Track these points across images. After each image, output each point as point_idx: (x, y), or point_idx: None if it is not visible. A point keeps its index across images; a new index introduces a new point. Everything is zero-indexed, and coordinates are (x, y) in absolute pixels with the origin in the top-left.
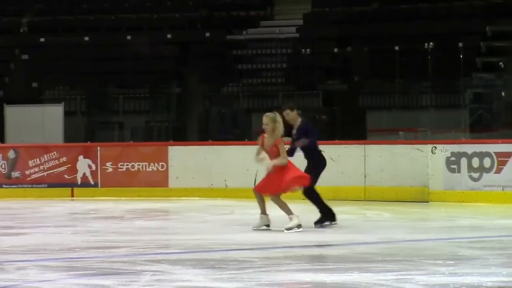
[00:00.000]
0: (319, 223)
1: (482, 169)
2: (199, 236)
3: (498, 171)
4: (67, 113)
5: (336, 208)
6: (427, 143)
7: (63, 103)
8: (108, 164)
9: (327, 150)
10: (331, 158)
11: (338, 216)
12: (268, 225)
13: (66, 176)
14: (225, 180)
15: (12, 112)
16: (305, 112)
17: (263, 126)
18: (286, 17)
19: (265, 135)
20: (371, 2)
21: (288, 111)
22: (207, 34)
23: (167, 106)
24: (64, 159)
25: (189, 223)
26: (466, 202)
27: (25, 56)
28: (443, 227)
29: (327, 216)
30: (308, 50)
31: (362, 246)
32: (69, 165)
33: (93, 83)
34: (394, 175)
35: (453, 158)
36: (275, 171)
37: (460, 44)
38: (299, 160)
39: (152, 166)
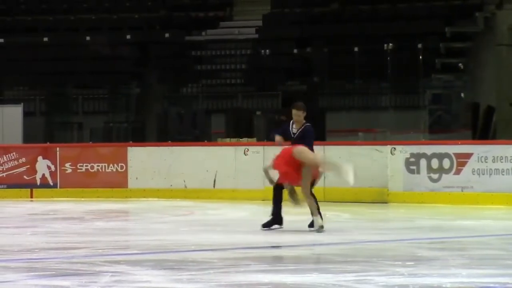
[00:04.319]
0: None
1: (441, 170)
2: (159, 237)
3: (458, 172)
4: (26, 114)
5: (295, 209)
6: (386, 144)
7: (22, 103)
8: (67, 165)
9: None
10: None
11: (298, 217)
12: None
13: (25, 177)
14: (184, 181)
15: None
16: (264, 112)
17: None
18: (245, 17)
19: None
20: (331, 3)
21: (302, 111)
22: (166, 35)
23: (126, 106)
24: (23, 160)
25: (148, 224)
26: (425, 203)
27: None
28: (402, 228)
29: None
30: (267, 51)
31: (321, 247)
32: (28, 166)
33: (52, 84)
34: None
35: (412, 159)
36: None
37: (420, 45)
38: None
39: (111, 167)
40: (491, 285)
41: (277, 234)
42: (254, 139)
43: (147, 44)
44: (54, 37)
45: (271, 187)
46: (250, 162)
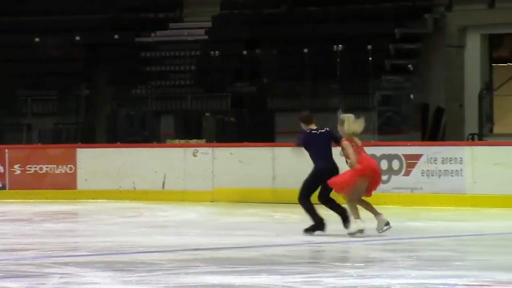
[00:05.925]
0: (310, 230)
1: (390, 171)
2: (108, 238)
3: (407, 173)
4: None
5: (244, 210)
6: (335, 146)
7: None
8: (16, 166)
9: (236, 152)
10: (239, 161)
11: (246, 219)
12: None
13: None
14: (133, 182)
15: None
16: (213, 114)
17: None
18: (195, 19)
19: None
20: (280, 4)
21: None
22: (116, 36)
23: (76, 108)
24: None
25: (97, 225)
26: (374, 205)
27: None
28: None
29: (318, 226)
30: (217, 52)
31: (270, 248)
32: None
33: (1, 85)
34: (302, 177)
35: None
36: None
37: (369, 47)
38: None
39: (60, 168)
40: (440, 286)
41: (226, 236)
42: (203, 140)
43: (97, 45)
44: (3, 38)
45: (219, 188)
46: (199, 163)
